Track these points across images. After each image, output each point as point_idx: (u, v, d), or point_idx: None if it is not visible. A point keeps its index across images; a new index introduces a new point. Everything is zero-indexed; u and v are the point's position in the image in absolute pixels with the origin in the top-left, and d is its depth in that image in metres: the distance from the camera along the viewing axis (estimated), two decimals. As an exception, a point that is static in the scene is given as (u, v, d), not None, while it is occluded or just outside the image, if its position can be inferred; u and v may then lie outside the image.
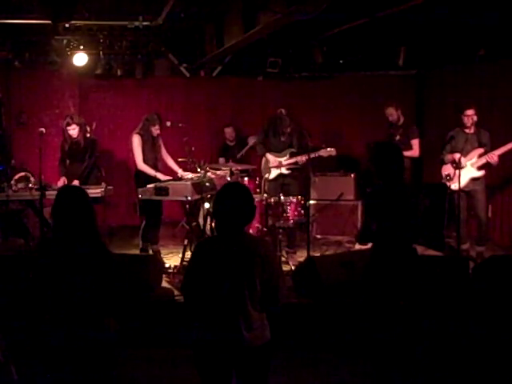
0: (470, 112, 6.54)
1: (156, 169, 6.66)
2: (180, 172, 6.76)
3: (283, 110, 7.77)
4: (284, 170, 7.04)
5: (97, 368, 3.12)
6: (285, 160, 7.04)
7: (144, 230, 6.72)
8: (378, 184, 4.01)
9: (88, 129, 7.70)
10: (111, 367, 3.22)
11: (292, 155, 7.02)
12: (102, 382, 3.17)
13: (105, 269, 3.13)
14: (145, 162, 6.63)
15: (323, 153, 6.87)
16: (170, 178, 6.61)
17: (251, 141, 8.80)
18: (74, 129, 6.86)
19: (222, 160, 8.68)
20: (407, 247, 3.97)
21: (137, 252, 6.91)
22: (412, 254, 3.99)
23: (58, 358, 3.08)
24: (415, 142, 7.30)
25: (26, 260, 5.31)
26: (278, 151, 7.10)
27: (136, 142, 6.59)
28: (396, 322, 3.92)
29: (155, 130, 6.64)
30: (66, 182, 6.77)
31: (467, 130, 6.60)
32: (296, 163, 6.99)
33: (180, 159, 7.03)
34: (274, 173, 7.07)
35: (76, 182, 6.76)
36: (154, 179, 6.46)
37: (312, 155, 6.77)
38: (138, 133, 6.62)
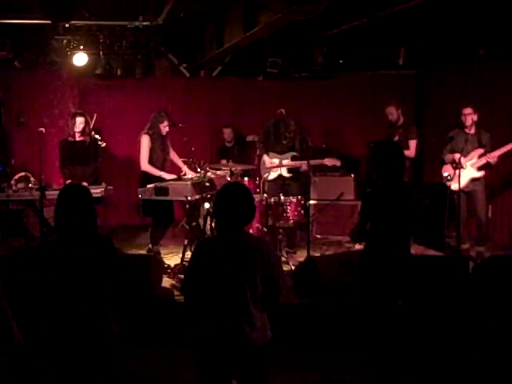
0: (466, 111, 6.53)
1: (163, 169, 6.56)
2: (184, 169, 6.73)
3: (283, 111, 7.75)
4: (285, 173, 7.00)
5: (97, 368, 3.11)
6: (286, 162, 7.00)
7: (152, 232, 6.67)
8: (377, 184, 4.02)
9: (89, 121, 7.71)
10: (111, 367, 3.22)
11: (293, 159, 6.98)
12: (102, 382, 3.17)
13: (108, 268, 3.11)
14: (153, 162, 6.50)
15: (327, 162, 6.82)
16: (175, 176, 6.53)
17: (250, 139, 8.80)
18: (81, 122, 6.84)
19: (223, 162, 8.66)
20: (400, 247, 3.97)
21: (137, 252, 6.91)
22: (405, 254, 4.00)
23: (58, 358, 3.08)
24: (413, 143, 7.30)
25: (26, 259, 5.30)
26: (279, 153, 7.07)
27: (145, 142, 6.46)
28: (395, 322, 3.92)
29: (163, 128, 6.52)
30: None
31: (467, 130, 6.59)
32: (297, 166, 6.95)
33: (180, 159, 7.02)
34: (273, 174, 7.05)
35: (84, 185, 6.72)
36: (159, 179, 6.41)
37: (315, 162, 6.76)
38: (147, 133, 6.51)
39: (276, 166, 6.98)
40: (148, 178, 6.42)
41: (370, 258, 3.96)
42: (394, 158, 4.01)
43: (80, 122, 6.87)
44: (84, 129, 6.92)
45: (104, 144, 8.07)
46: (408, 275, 3.98)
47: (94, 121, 7.93)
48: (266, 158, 7.11)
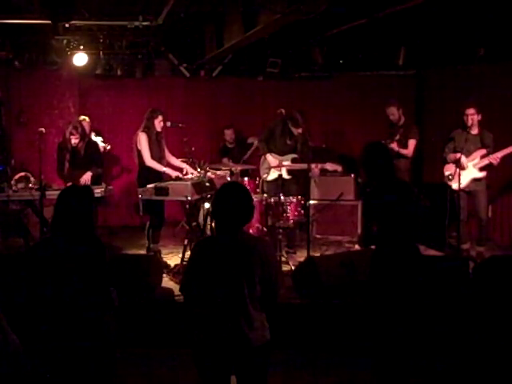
0: (469, 111, 6.52)
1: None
2: (185, 166, 6.72)
3: (283, 111, 7.74)
4: (285, 175, 6.96)
5: (96, 368, 3.11)
6: (286, 164, 6.98)
7: (149, 230, 6.69)
8: (374, 185, 4.01)
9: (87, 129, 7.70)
10: (111, 367, 3.22)
11: (294, 161, 6.96)
12: (101, 382, 3.17)
13: (100, 269, 3.12)
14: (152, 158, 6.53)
15: (328, 166, 6.81)
16: (179, 174, 6.52)
17: (251, 141, 8.78)
18: (76, 138, 6.82)
19: (225, 160, 8.62)
20: (410, 247, 3.96)
21: (137, 252, 6.90)
22: (416, 254, 3.98)
23: (57, 359, 3.08)
24: (411, 142, 7.29)
25: (25, 259, 5.30)
26: (280, 154, 7.03)
27: (144, 139, 6.47)
28: (396, 322, 3.92)
29: (158, 123, 6.54)
30: None
31: (469, 130, 6.57)
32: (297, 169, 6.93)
33: (180, 159, 7.02)
34: (272, 175, 7.01)
35: (88, 174, 6.73)
36: (158, 178, 6.41)
37: (318, 166, 6.76)
38: (144, 130, 6.54)
39: (279, 166, 6.93)
40: (147, 176, 6.43)
41: (383, 261, 3.92)
42: (379, 156, 4.01)
43: (75, 138, 6.78)
44: (78, 143, 6.87)
45: (109, 146, 8.08)
46: (419, 275, 3.96)
47: (91, 130, 7.95)
48: (269, 157, 7.04)
